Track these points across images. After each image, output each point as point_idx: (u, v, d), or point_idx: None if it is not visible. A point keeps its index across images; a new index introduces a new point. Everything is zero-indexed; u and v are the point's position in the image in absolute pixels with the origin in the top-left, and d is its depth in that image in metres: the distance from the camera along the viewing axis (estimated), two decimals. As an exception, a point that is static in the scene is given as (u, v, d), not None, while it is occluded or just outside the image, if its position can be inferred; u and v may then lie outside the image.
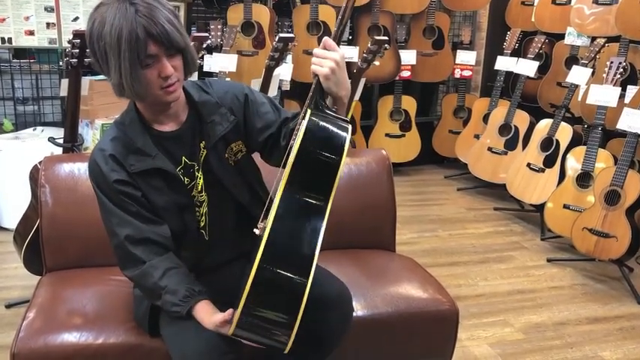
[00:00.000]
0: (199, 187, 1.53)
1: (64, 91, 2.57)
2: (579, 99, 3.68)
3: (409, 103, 4.63)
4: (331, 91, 1.35)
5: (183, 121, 1.51)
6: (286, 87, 3.84)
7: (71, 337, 1.58)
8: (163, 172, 1.46)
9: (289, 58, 3.82)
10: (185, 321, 1.43)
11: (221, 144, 1.52)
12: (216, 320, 1.36)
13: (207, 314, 1.40)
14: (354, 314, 1.65)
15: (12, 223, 2.76)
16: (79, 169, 1.99)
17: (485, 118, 4.33)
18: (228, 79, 3.47)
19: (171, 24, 1.33)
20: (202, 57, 3.28)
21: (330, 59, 1.32)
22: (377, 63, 3.38)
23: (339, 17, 1.35)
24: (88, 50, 1.41)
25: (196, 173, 1.52)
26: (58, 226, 1.92)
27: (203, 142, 1.52)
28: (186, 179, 1.51)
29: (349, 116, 3.78)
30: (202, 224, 1.55)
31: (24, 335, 1.58)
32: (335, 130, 1.29)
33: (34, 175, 2.22)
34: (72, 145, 2.58)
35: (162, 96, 1.39)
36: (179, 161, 1.50)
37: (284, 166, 1.29)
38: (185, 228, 1.52)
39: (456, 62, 4.69)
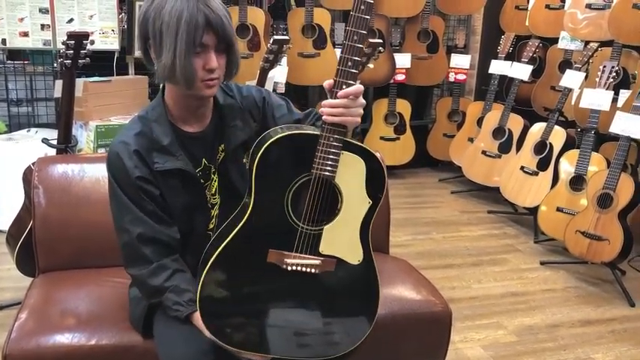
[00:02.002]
0: (213, 189, 1.53)
1: (58, 93, 2.57)
2: (573, 103, 3.71)
3: (404, 107, 4.64)
4: (350, 129, 1.35)
5: (207, 124, 1.51)
6: (281, 89, 3.84)
7: (64, 339, 1.57)
8: (184, 173, 1.45)
9: (284, 60, 3.82)
10: (179, 325, 1.42)
11: (240, 149, 1.52)
12: None
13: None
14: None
15: (5, 224, 2.74)
16: (73, 170, 1.98)
17: (480, 122, 4.34)
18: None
19: (227, 18, 1.36)
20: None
21: (361, 106, 1.35)
22: (371, 66, 3.40)
23: (361, 60, 1.34)
24: (137, 31, 1.41)
25: (212, 175, 1.52)
26: (51, 228, 1.91)
27: (222, 145, 1.51)
28: (201, 180, 1.51)
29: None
30: (212, 226, 1.54)
31: (16, 336, 1.57)
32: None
33: (28, 177, 2.21)
34: (66, 146, 2.57)
35: (201, 88, 1.39)
36: (199, 163, 1.50)
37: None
38: (193, 229, 1.51)
39: (451, 66, 4.71)
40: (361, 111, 1.35)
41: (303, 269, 1.35)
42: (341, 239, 1.37)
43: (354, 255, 1.39)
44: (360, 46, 1.26)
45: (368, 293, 1.43)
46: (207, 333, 1.39)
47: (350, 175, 1.34)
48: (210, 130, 1.51)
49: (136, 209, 1.42)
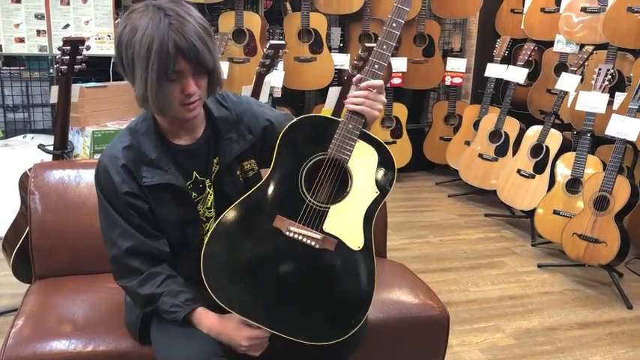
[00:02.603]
0: (209, 203, 1.52)
1: (54, 98, 2.56)
2: (568, 105, 3.72)
3: (400, 110, 4.65)
4: (368, 124, 1.46)
5: (199, 136, 1.49)
6: (277, 94, 3.85)
7: (60, 345, 1.56)
8: (174, 187, 1.44)
9: (280, 65, 3.83)
10: (177, 329, 1.42)
11: (235, 161, 1.51)
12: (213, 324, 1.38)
13: (208, 318, 1.41)
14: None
15: (1, 230, 2.74)
16: (69, 176, 1.98)
17: (476, 125, 4.35)
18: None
19: (203, 41, 1.30)
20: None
21: (381, 103, 1.45)
22: (368, 70, 3.40)
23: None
24: (115, 55, 1.38)
25: (207, 189, 1.51)
26: (48, 234, 1.90)
27: (217, 157, 1.50)
28: (194, 194, 1.49)
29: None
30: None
31: (12, 343, 1.56)
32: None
33: (24, 182, 2.21)
34: (62, 152, 2.57)
35: (181, 112, 1.37)
36: (190, 176, 1.49)
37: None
38: (187, 242, 1.50)
39: (447, 69, 4.72)
40: (381, 106, 1.45)
41: (304, 240, 1.40)
42: (345, 221, 1.43)
43: (354, 240, 1.43)
44: (388, 54, 1.45)
45: (363, 283, 1.43)
46: (205, 328, 1.39)
47: (362, 162, 1.44)
48: (202, 143, 1.49)
49: (125, 223, 1.43)
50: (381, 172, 1.46)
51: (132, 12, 1.32)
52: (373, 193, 1.45)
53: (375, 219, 1.45)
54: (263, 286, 1.39)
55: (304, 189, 1.43)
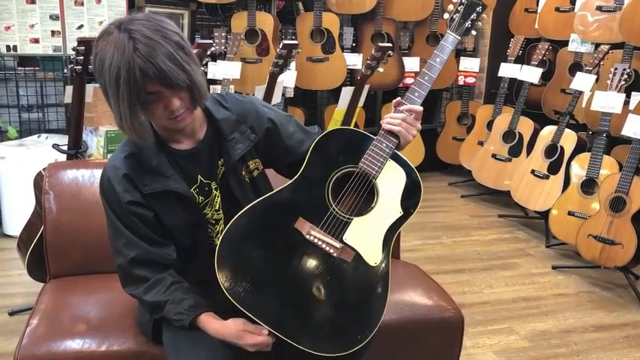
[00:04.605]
0: (217, 205, 1.51)
1: (68, 98, 2.58)
2: (583, 105, 3.68)
3: (413, 110, 4.62)
4: (401, 146, 1.50)
5: (200, 139, 1.47)
6: (290, 94, 3.84)
7: (75, 344, 1.57)
8: (177, 193, 1.43)
9: (293, 65, 3.82)
10: (186, 333, 1.42)
11: (240, 162, 1.50)
12: (218, 328, 1.37)
13: (212, 323, 1.40)
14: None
15: (16, 229, 2.76)
16: (83, 175, 1.99)
17: (489, 125, 4.32)
18: (232, 86, 3.47)
19: (173, 61, 1.24)
20: (206, 64, 3.29)
21: (417, 129, 1.49)
22: (381, 70, 3.39)
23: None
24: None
25: (214, 192, 1.50)
26: (62, 233, 1.92)
27: (222, 159, 1.49)
28: (200, 198, 1.49)
29: (353, 123, 3.79)
30: (218, 242, 1.53)
31: (27, 342, 1.57)
32: None
33: (38, 182, 2.22)
34: (76, 151, 2.58)
35: (171, 124, 1.36)
36: (194, 180, 1.48)
37: None
38: (196, 245, 1.50)
39: (460, 69, 4.69)
40: (416, 132, 1.49)
41: (322, 245, 1.41)
42: (365, 235, 1.44)
43: (372, 255, 1.43)
44: (429, 85, 1.50)
45: (375, 301, 1.42)
46: (212, 331, 1.39)
47: (390, 181, 1.47)
48: (205, 146, 1.48)
49: (129, 233, 1.43)
50: (407, 194, 1.47)
51: (101, 37, 1.29)
52: (397, 212, 1.46)
53: (393, 241, 1.46)
54: (275, 287, 1.39)
55: (330, 197, 1.45)
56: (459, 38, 1.52)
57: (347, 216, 1.44)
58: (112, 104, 1.31)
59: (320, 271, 1.40)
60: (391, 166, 1.47)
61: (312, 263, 1.40)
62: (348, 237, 1.42)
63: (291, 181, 1.47)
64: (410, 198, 1.47)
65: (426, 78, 1.49)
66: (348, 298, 1.42)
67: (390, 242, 1.45)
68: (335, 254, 1.40)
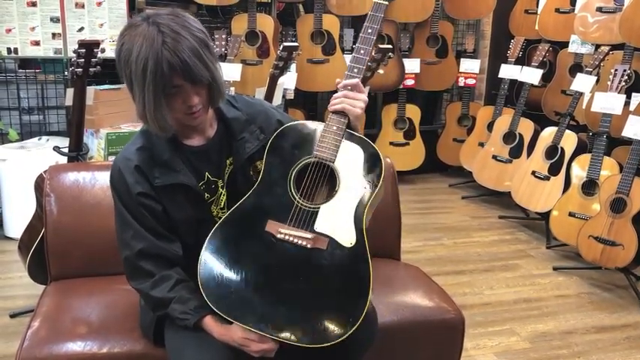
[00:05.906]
0: (222, 203, 1.52)
1: (69, 101, 2.58)
2: (584, 107, 3.68)
3: (413, 112, 4.63)
4: (355, 125, 1.49)
5: (211, 137, 1.50)
6: (290, 96, 3.84)
7: (76, 347, 1.57)
8: (186, 187, 1.45)
9: (293, 67, 3.83)
10: (189, 333, 1.42)
11: (248, 161, 1.52)
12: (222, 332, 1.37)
13: (217, 326, 1.40)
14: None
15: (17, 232, 2.76)
16: (84, 178, 1.99)
17: (490, 126, 4.32)
18: (233, 88, 3.48)
19: (197, 56, 1.29)
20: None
21: (361, 101, 1.48)
22: (381, 71, 3.40)
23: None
24: (118, 70, 1.38)
25: (220, 190, 1.52)
26: (63, 235, 1.92)
27: (230, 158, 1.51)
28: (206, 194, 1.50)
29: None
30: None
31: (29, 344, 1.57)
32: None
33: (39, 185, 2.22)
34: (77, 154, 2.59)
35: (185, 119, 1.39)
36: (202, 176, 1.49)
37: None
38: (200, 242, 1.49)
39: (460, 70, 4.70)
40: (362, 104, 1.48)
41: (295, 240, 1.41)
42: (335, 220, 1.44)
43: (346, 237, 1.43)
44: (365, 57, 1.50)
45: (359, 279, 1.40)
46: (216, 334, 1.39)
47: (348, 161, 1.47)
48: (215, 143, 1.50)
49: (138, 225, 1.44)
50: (368, 168, 1.48)
51: (129, 27, 1.32)
52: (361, 189, 1.47)
53: (365, 215, 1.44)
54: (261, 294, 1.38)
55: (293, 192, 1.46)
56: (387, 3, 1.51)
57: (312, 206, 1.44)
58: (137, 94, 1.33)
59: (299, 265, 1.40)
60: (346, 146, 1.47)
61: (289, 261, 1.41)
62: (319, 225, 1.43)
63: (254, 187, 1.47)
64: (371, 171, 1.48)
65: (362, 52, 1.50)
66: (332, 284, 1.41)
67: (362, 220, 1.44)
68: (309, 245, 1.40)
